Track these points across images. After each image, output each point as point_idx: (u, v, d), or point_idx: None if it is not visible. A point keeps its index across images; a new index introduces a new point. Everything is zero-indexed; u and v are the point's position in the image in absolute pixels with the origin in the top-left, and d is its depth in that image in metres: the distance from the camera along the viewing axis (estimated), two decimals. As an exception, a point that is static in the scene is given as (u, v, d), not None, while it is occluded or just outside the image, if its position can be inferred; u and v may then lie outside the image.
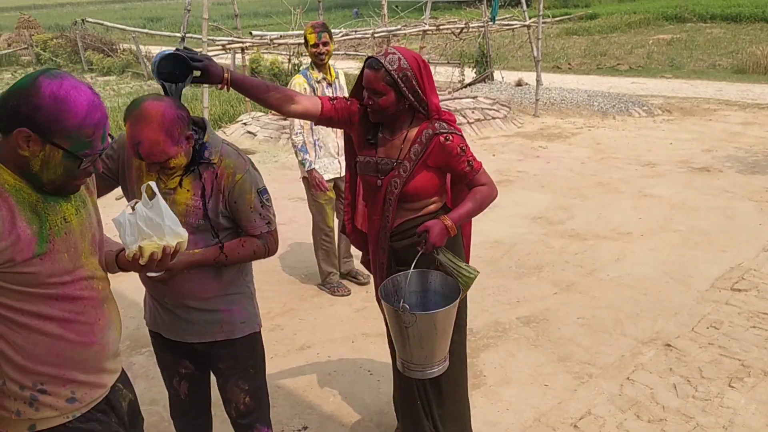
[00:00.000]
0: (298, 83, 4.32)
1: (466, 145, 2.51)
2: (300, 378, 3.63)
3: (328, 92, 4.36)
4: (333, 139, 4.47)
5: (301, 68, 12.13)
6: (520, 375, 3.61)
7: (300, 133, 4.38)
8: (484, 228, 5.52)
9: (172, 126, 2.06)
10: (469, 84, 12.45)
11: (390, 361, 2.98)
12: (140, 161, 2.17)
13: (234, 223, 2.29)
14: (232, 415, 2.47)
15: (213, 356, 2.40)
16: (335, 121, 2.59)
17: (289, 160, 8.31)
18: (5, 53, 22.84)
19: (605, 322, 4.14)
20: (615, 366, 3.65)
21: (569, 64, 16.95)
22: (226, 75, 2.28)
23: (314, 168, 4.39)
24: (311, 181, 4.43)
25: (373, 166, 2.58)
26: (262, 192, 2.29)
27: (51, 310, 1.66)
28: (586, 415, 3.22)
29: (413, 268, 2.43)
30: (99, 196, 2.07)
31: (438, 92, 2.58)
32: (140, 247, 1.76)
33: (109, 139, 1.69)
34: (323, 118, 2.56)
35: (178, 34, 7.87)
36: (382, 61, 2.38)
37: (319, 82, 4.36)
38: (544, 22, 11.50)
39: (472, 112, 10.05)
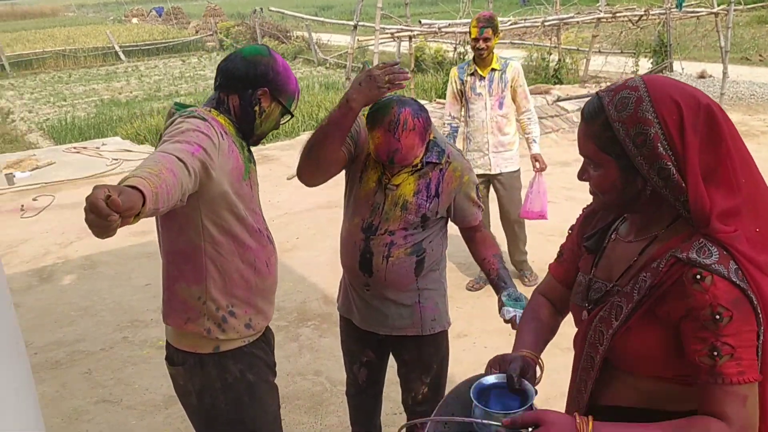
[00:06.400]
0: (451, 74, 4.51)
1: (738, 316, 1.17)
2: (456, 366, 3.59)
3: (478, 86, 4.32)
4: (482, 133, 4.42)
5: (465, 57, 12.14)
6: None
7: (449, 123, 4.54)
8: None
9: (425, 131, 2.09)
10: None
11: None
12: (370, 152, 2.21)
13: (441, 219, 2.29)
14: (407, 402, 2.49)
15: (399, 348, 2.43)
16: (574, 265, 1.55)
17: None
18: (193, 39, 24.92)
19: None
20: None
21: (761, 55, 15.39)
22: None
23: None
24: None
25: (583, 289, 1.46)
26: (477, 185, 2.32)
27: (251, 240, 1.97)
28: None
29: None
30: (333, 173, 2.33)
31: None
32: None
33: None
34: (566, 285, 1.58)
35: (349, 22, 8.12)
36: (604, 100, 1.25)
37: (471, 74, 4.35)
38: (735, 10, 10.50)
39: (646, 105, 9.46)
